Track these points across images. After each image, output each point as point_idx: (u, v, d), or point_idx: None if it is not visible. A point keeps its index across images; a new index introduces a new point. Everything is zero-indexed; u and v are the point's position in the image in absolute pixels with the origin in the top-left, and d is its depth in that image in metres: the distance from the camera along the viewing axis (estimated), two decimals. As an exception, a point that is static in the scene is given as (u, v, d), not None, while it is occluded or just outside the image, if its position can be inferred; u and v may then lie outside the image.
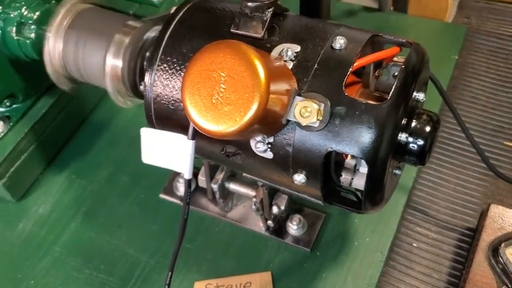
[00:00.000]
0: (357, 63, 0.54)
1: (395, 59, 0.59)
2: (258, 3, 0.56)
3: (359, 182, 0.56)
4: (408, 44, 0.57)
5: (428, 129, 0.55)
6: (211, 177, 0.78)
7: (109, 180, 0.89)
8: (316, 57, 0.54)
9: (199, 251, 0.79)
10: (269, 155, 0.56)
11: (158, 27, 0.63)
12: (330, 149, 0.52)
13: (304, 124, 0.51)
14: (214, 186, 0.77)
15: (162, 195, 0.85)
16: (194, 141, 0.56)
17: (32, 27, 0.74)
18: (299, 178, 0.55)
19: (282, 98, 0.50)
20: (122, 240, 0.81)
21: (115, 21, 0.66)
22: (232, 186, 0.78)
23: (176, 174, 0.85)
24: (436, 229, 0.82)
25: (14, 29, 0.74)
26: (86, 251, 0.81)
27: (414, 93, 0.54)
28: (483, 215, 0.77)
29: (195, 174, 0.79)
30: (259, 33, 0.56)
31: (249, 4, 0.56)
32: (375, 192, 0.55)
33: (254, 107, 0.46)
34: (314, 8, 0.70)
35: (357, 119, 0.51)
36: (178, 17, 0.61)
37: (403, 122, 0.54)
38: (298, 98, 0.51)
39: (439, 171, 0.89)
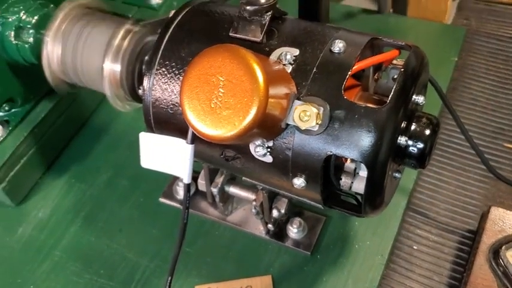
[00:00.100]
0: (356, 67, 0.54)
1: (394, 61, 0.59)
2: (256, 7, 0.56)
3: (359, 186, 0.56)
4: (407, 47, 0.57)
5: (428, 132, 0.55)
6: (211, 180, 0.77)
7: (108, 184, 0.89)
8: (315, 61, 0.54)
9: (199, 255, 0.79)
10: (268, 159, 0.56)
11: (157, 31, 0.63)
12: (329, 153, 0.52)
13: (303, 128, 0.51)
14: (214, 190, 0.77)
15: (162, 199, 0.85)
16: (193, 145, 0.56)
17: (31, 31, 0.74)
18: (299, 182, 0.55)
19: (281, 102, 0.50)
20: (121, 244, 0.81)
21: (113, 25, 0.65)
22: (232, 190, 0.78)
23: (176, 178, 0.85)
24: (437, 232, 0.82)
25: (13, 33, 0.74)
26: (86, 255, 0.81)
27: (414, 96, 0.54)
28: (484, 217, 0.77)
29: (195, 178, 0.78)
30: (258, 37, 0.56)
31: (248, 8, 0.56)
32: (375, 196, 0.55)
33: (253, 112, 0.46)
34: (313, 11, 0.70)
35: (356, 123, 0.51)
36: (177, 20, 0.61)
37: (402, 125, 0.53)
38: (297, 102, 0.51)
39: (439, 174, 0.89)
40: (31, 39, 0.74)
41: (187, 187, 0.59)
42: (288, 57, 0.54)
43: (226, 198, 0.80)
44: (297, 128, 0.52)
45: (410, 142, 0.54)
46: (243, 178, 0.65)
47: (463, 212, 0.84)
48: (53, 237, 0.83)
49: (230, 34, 0.58)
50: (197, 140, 0.54)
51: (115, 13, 0.71)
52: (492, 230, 0.74)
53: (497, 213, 0.75)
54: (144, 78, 0.60)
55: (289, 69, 0.54)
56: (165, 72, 0.58)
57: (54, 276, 0.79)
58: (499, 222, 0.75)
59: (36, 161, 0.88)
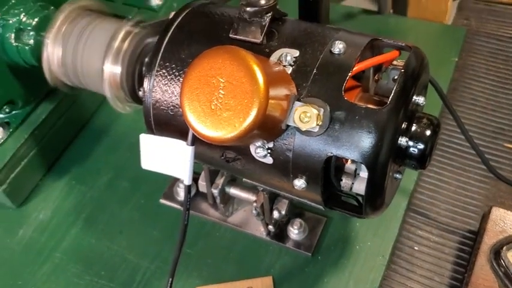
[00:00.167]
0: (356, 68, 0.54)
1: (394, 62, 0.59)
2: (256, 8, 0.56)
3: (359, 187, 0.56)
4: (407, 47, 0.57)
5: (428, 133, 0.55)
6: (211, 182, 0.77)
7: (109, 185, 0.89)
8: (315, 62, 0.54)
9: (200, 256, 0.79)
10: (269, 160, 0.55)
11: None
12: (330, 154, 0.52)
13: (303, 129, 0.51)
14: (215, 191, 0.77)
15: (162, 201, 0.85)
16: (193, 147, 0.55)
17: (31, 33, 0.74)
18: (299, 183, 0.55)
19: (281, 103, 0.49)
20: (122, 246, 0.81)
21: (113, 26, 0.65)
22: (233, 191, 0.78)
23: (176, 180, 0.85)
24: (438, 232, 0.82)
25: (13, 35, 0.74)
26: (87, 257, 0.81)
27: (414, 97, 0.54)
28: (484, 217, 0.77)
29: (195, 179, 0.78)
30: (258, 38, 0.56)
31: (248, 9, 0.56)
32: (376, 197, 0.55)
33: (253, 113, 0.46)
34: (313, 12, 0.70)
35: (356, 124, 0.51)
36: (177, 22, 0.61)
37: (403, 126, 0.53)
38: (297, 103, 0.51)
39: (440, 174, 0.89)
40: (31, 41, 0.74)
41: (188, 188, 0.59)
42: (288, 58, 0.54)
43: (226, 199, 0.80)
44: (298, 129, 0.52)
45: (410, 143, 0.54)
46: (244, 179, 0.65)
47: (464, 213, 0.84)
48: (53, 239, 0.83)
49: (230, 35, 0.57)
50: (197, 141, 0.54)
51: (115, 14, 0.71)
52: (493, 231, 0.74)
53: (498, 214, 0.75)
54: (145, 80, 0.60)
55: (289, 70, 0.54)
56: (165, 74, 0.58)
57: (55, 278, 0.79)
58: (500, 223, 0.75)
59: (37, 163, 0.88)
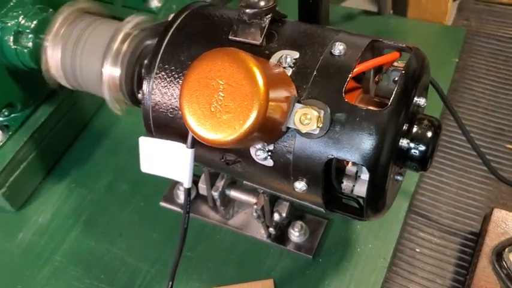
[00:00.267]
0: (357, 69, 0.54)
1: (395, 64, 0.58)
2: (256, 10, 0.56)
3: (360, 189, 0.56)
4: (408, 48, 0.56)
5: (429, 134, 0.55)
6: (211, 184, 0.77)
7: (109, 188, 0.88)
8: (315, 64, 0.53)
9: (200, 259, 0.79)
10: (269, 162, 0.55)
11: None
12: (330, 156, 0.52)
13: (304, 131, 0.50)
14: (215, 194, 0.76)
15: (163, 203, 0.85)
16: (193, 149, 0.55)
17: (30, 36, 0.74)
18: (300, 186, 0.55)
19: (281, 105, 0.49)
20: (122, 249, 0.81)
21: (112, 28, 0.65)
22: (233, 194, 0.78)
23: (176, 182, 0.85)
24: (439, 234, 0.82)
25: (12, 38, 0.74)
26: (86, 260, 0.80)
27: (415, 99, 0.54)
28: (486, 219, 0.76)
29: (196, 181, 0.78)
30: (257, 40, 0.56)
31: (247, 11, 0.56)
32: (377, 199, 0.55)
33: (253, 115, 0.46)
34: (313, 13, 0.70)
35: (357, 126, 0.50)
36: (176, 24, 0.60)
37: (404, 127, 0.53)
38: (297, 105, 0.51)
39: (441, 176, 0.88)
40: (30, 44, 0.74)
41: (188, 191, 0.58)
42: (288, 60, 0.54)
43: (227, 202, 0.80)
44: (298, 132, 0.51)
45: (412, 145, 0.54)
46: (244, 182, 0.64)
47: (466, 214, 0.84)
48: (53, 242, 0.83)
49: (230, 37, 0.57)
50: (197, 144, 0.53)
51: (114, 17, 0.71)
52: (495, 232, 0.74)
53: (499, 215, 0.75)
54: (144, 82, 0.59)
55: (289, 72, 0.53)
56: (165, 76, 0.58)
57: (55, 281, 0.79)
58: (501, 224, 0.74)
59: (36, 166, 0.88)
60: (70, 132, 0.94)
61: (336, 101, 0.51)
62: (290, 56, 0.54)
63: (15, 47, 0.74)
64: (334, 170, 0.55)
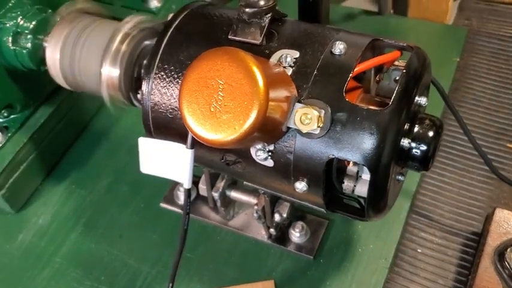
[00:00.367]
0: (357, 69, 0.53)
1: (396, 63, 0.58)
2: (255, 9, 0.55)
3: (362, 189, 0.55)
4: (409, 47, 0.56)
5: (431, 134, 0.54)
6: (212, 185, 0.77)
7: (109, 189, 0.88)
8: (315, 63, 0.53)
9: (201, 260, 0.78)
10: (270, 163, 0.55)
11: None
12: (331, 156, 0.51)
13: (304, 131, 0.50)
14: (215, 195, 0.76)
15: (163, 204, 0.85)
16: (193, 150, 0.55)
17: (29, 36, 0.73)
18: (300, 186, 0.54)
19: (281, 105, 0.49)
20: (122, 251, 0.81)
21: (111, 29, 0.65)
22: (234, 194, 0.77)
23: (177, 183, 0.84)
24: (441, 234, 0.82)
25: (10, 38, 0.73)
26: (86, 262, 0.80)
27: (416, 98, 0.54)
28: (488, 219, 0.76)
29: (196, 182, 0.78)
30: (257, 39, 0.56)
31: (247, 10, 0.56)
32: (378, 199, 0.54)
33: (253, 115, 0.46)
34: (313, 12, 0.69)
35: (358, 125, 0.50)
36: (175, 24, 0.60)
37: (405, 127, 0.53)
38: (298, 105, 0.50)
39: (443, 176, 0.88)
40: (29, 45, 0.73)
41: (188, 192, 0.58)
42: (288, 59, 0.53)
43: (227, 202, 0.79)
44: (298, 132, 0.51)
45: (413, 144, 0.54)
46: (244, 182, 0.64)
47: (467, 214, 0.83)
48: (53, 243, 0.82)
49: (229, 37, 0.57)
50: (197, 144, 0.53)
51: (113, 17, 0.71)
52: (497, 232, 0.73)
53: (501, 215, 0.75)
54: (143, 83, 0.59)
55: (289, 71, 0.53)
56: (164, 76, 0.57)
57: (55, 283, 0.78)
58: (503, 224, 0.74)
59: (36, 167, 0.87)
60: (70, 133, 0.93)
61: (337, 100, 0.51)
62: (290, 55, 0.54)
63: (14, 47, 0.74)
64: (335, 170, 0.55)
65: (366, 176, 0.54)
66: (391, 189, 0.55)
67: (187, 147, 0.55)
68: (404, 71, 0.53)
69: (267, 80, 0.46)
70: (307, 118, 0.49)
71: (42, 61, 0.71)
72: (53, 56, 0.67)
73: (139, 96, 0.62)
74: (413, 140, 0.54)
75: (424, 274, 0.78)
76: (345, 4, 1.15)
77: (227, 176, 0.76)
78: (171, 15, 0.61)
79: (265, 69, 0.47)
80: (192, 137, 0.52)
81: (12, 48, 0.74)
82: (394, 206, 0.59)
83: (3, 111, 0.81)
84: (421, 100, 0.55)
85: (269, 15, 0.56)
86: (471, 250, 0.79)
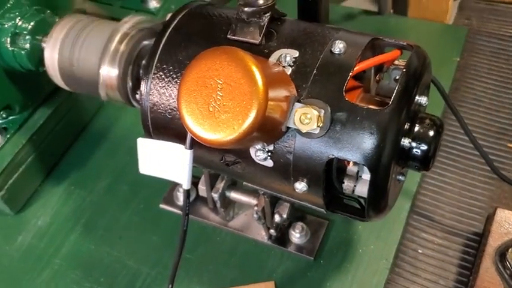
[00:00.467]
0: (357, 68, 0.53)
1: (396, 62, 0.58)
2: (254, 8, 0.55)
3: (362, 189, 0.55)
4: (409, 47, 0.56)
5: (431, 133, 0.54)
6: (211, 186, 0.76)
7: (108, 190, 0.88)
8: (315, 63, 0.53)
9: (201, 262, 0.78)
10: (269, 163, 0.55)
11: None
12: (331, 156, 0.51)
13: (304, 131, 0.50)
14: (215, 195, 0.76)
15: (162, 205, 0.84)
16: (192, 150, 0.55)
17: (27, 37, 0.73)
18: (300, 186, 0.54)
19: (281, 104, 0.49)
20: (122, 252, 0.80)
21: (110, 29, 0.65)
22: (233, 195, 0.77)
23: (176, 184, 0.84)
24: (442, 235, 0.81)
25: (9, 39, 0.73)
26: (86, 263, 0.80)
27: (416, 97, 0.53)
28: (489, 219, 0.76)
29: (195, 183, 0.77)
30: (256, 38, 0.55)
31: (246, 9, 0.55)
32: (379, 199, 0.54)
33: (252, 115, 0.45)
34: (312, 12, 0.69)
35: (358, 125, 0.50)
36: (174, 23, 0.60)
37: (405, 126, 0.52)
38: (297, 105, 0.50)
39: (443, 176, 0.88)
40: (27, 46, 0.73)
41: (187, 193, 0.58)
42: (288, 59, 0.53)
43: (227, 203, 0.79)
44: (298, 131, 0.51)
45: (414, 144, 0.53)
46: (244, 183, 0.64)
47: (468, 215, 0.83)
48: (52, 245, 0.82)
49: (228, 36, 0.57)
50: (196, 145, 0.53)
51: (112, 18, 0.70)
52: (498, 233, 0.73)
53: (503, 215, 0.74)
54: (142, 83, 0.59)
55: (288, 71, 0.53)
56: (163, 76, 0.57)
57: (54, 285, 0.78)
58: (505, 225, 0.74)
59: (35, 169, 0.87)
60: (69, 134, 0.93)
61: (337, 100, 0.51)
62: (289, 54, 0.53)
63: (13, 48, 0.73)
64: (335, 170, 0.55)
65: (366, 176, 0.53)
66: (392, 189, 0.54)
67: (186, 148, 0.54)
68: (404, 70, 0.53)
69: (266, 79, 0.46)
70: (307, 118, 0.49)
71: (40, 62, 0.71)
72: (51, 56, 0.67)
73: (138, 96, 0.62)
74: (413, 140, 0.53)
75: (425, 275, 0.77)
76: (344, 4, 1.15)
77: (227, 177, 0.75)
78: (169, 15, 0.61)
79: (265, 68, 0.47)
80: (191, 137, 0.52)
81: (10, 49, 0.74)
82: (394, 206, 0.59)
83: (1, 113, 0.81)
84: (422, 99, 0.54)
85: (268, 14, 0.55)
86: (472, 250, 0.79)
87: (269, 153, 0.54)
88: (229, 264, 0.78)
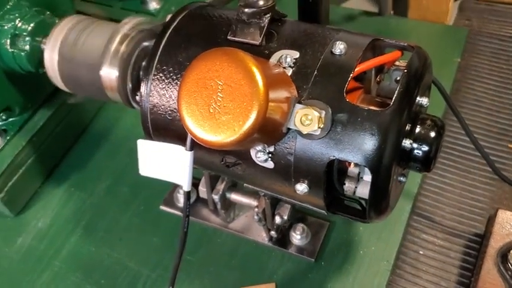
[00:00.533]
0: (358, 69, 0.53)
1: (397, 63, 0.58)
2: (255, 9, 0.55)
3: (363, 191, 0.55)
4: (410, 47, 0.56)
5: (433, 134, 0.54)
6: (212, 187, 0.76)
7: (108, 192, 0.88)
8: (315, 64, 0.53)
9: (201, 264, 0.78)
10: (270, 164, 0.54)
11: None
12: (332, 157, 0.51)
13: (305, 132, 0.50)
14: (216, 197, 0.76)
15: (163, 207, 0.84)
16: (192, 152, 0.54)
17: (27, 39, 0.73)
18: (301, 188, 0.54)
19: (281, 106, 0.48)
20: (122, 254, 0.80)
21: (110, 30, 0.64)
22: (234, 197, 0.77)
23: (177, 185, 0.84)
24: (443, 236, 0.81)
25: (9, 41, 0.73)
26: (86, 265, 0.80)
27: (417, 98, 0.53)
28: (491, 220, 0.75)
29: (196, 185, 0.77)
30: (256, 39, 0.55)
31: (246, 10, 0.55)
32: (380, 201, 0.54)
33: (253, 116, 0.45)
34: (313, 13, 0.69)
35: (359, 126, 0.50)
36: (174, 25, 0.60)
37: (406, 128, 0.52)
38: (298, 106, 0.50)
39: (444, 177, 0.87)
40: (27, 47, 0.73)
41: (187, 195, 0.57)
42: (288, 60, 0.53)
43: (227, 205, 0.79)
44: (299, 133, 0.51)
45: (415, 145, 0.53)
46: (245, 184, 0.63)
47: (470, 216, 0.83)
48: (52, 247, 0.82)
49: (228, 37, 0.56)
50: (197, 146, 0.52)
51: (112, 19, 0.70)
52: (500, 234, 0.73)
53: (504, 217, 0.74)
54: (142, 84, 0.58)
55: (289, 72, 0.53)
56: (163, 78, 0.57)
57: (55, 287, 0.78)
58: (506, 226, 0.73)
59: (35, 170, 0.87)
60: (69, 135, 0.93)
61: (337, 101, 0.50)
62: (290, 55, 0.53)
63: (12, 50, 0.73)
64: (336, 171, 0.54)
65: (367, 177, 0.53)
66: (393, 191, 0.54)
67: (186, 149, 0.54)
68: (405, 71, 0.53)
69: (267, 80, 0.45)
70: (308, 119, 0.49)
71: (40, 63, 0.71)
72: (51, 57, 0.66)
73: (138, 97, 0.61)
74: (414, 141, 0.53)
75: (426, 276, 0.77)
76: (345, 5, 1.15)
77: (227, 178, 0.75)
78: (169, 16, 0.61)
79: (265, 69, 0.47)
80: (192, 139, 0.52)
81: (10, 50, 0.73)
82: (395, 207, 0.59)
83: (1, 114, 0.81)
84: (423, 100, 0.54)
85: (268, 15, 0.55)
86: (473, 252, 0.78)
87: (270, 155, 0.53)
88: (230, 266, 0.77)
